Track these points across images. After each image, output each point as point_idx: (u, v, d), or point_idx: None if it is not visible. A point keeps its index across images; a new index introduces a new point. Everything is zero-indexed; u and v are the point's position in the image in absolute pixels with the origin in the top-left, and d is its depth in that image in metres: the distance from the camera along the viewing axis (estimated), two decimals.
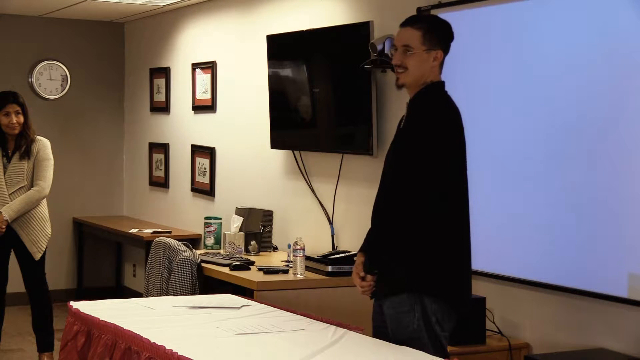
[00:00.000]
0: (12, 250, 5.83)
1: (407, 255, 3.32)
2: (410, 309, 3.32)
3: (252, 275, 5.09)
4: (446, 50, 3.43)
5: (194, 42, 7.50)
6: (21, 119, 5.69)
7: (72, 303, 4.14)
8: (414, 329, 3.32)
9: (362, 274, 3.43)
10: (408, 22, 3.44)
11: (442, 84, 3.46)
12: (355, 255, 5.11)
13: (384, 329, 3.46)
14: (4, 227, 5.63)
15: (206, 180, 7.26)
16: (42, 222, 5.78)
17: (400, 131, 3.47)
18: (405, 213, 3.29)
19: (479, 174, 4.19)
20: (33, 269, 5.78)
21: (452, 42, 3.47)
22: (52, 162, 5.79)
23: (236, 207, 6.44)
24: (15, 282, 6.10)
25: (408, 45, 3.37)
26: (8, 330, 6.54)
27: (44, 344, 5.87)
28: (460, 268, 3.38)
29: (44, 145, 5.78)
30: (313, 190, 5.89)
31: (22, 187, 5.70)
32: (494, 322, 4.44)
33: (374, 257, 3.40)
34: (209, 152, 7.20)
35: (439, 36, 3.40)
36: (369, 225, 3.49)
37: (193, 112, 7.49)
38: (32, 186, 5.71)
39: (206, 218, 6.28)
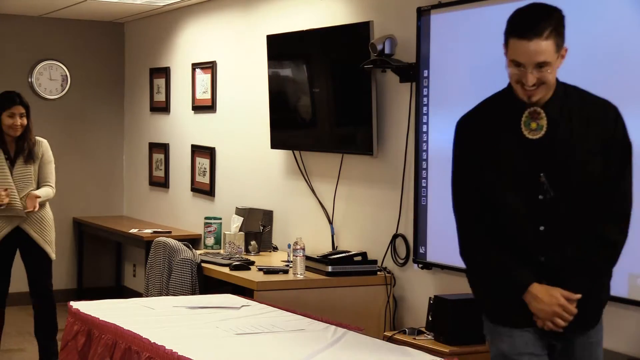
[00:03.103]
0: (17, 251, 5.75)
1: (607, 277, 3.04)
2: (600, 339, 3.03)
3: (252, 275, 5.09)
4: None
5: (194, 42, 7.50)
6: (25, 121, 5.58)
7: (72, 303, 4.14)
8: None
9: (573, 299, 2.88)
10: (534, 33, 2.82)
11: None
12: (355, 255, 5.10)
13: None
14: (37, 205, 5.51)
15: (206, 180, 7.26)
16: (52, 224, 5.73)
17: (573, 138, 2.95)
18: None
19: None
20: (40, 274, 5.66)
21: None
22: (54, 163, 5.79)
23: (236, 207, 6.44)
24: (16, 282, 6.07)
25: (544, 62, 2.82)
26: (9, 330, 6.54)
27: (48, 354, 5.70)
28: None
29: (46, 147, 5.73)
30: (313, 190, 5.89)
31: (31, 190, 5.62)
32: None
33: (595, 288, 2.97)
34: (209, 152, 7.20)
35: (562, 31, 2.87)
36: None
37: (193, 112, 7.49)
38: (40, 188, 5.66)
39: (206, 218, 6.28)
